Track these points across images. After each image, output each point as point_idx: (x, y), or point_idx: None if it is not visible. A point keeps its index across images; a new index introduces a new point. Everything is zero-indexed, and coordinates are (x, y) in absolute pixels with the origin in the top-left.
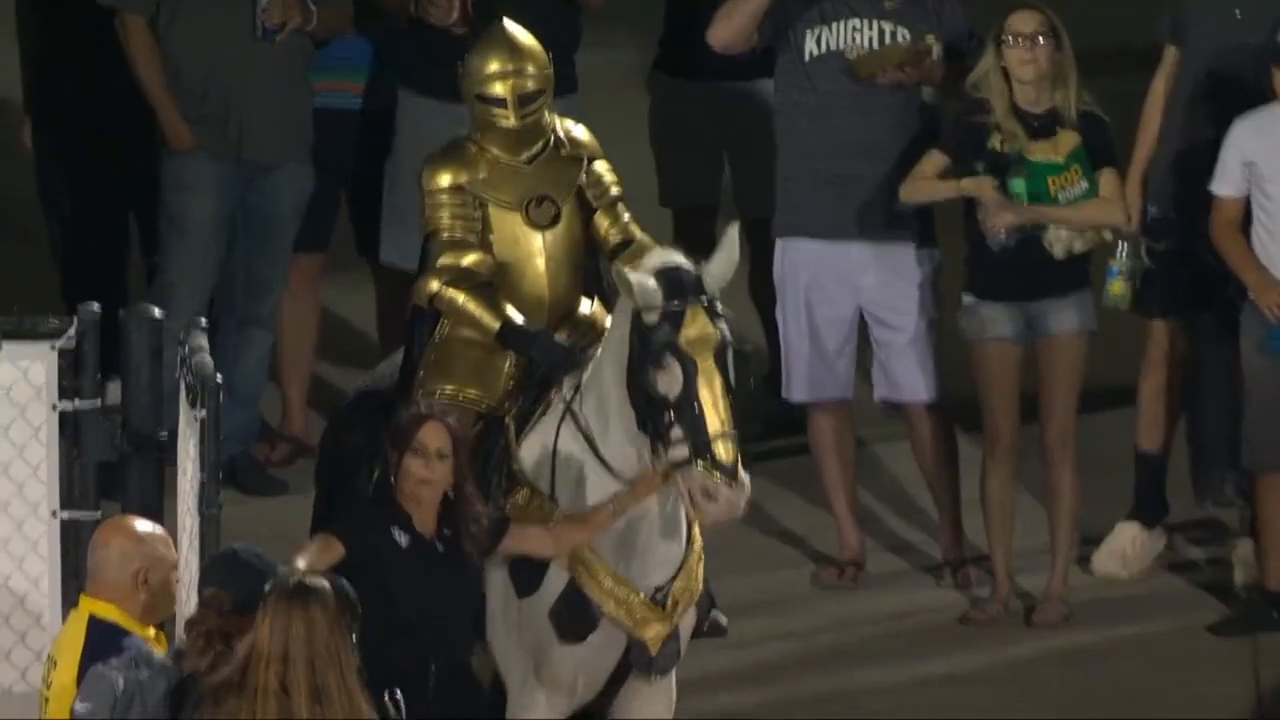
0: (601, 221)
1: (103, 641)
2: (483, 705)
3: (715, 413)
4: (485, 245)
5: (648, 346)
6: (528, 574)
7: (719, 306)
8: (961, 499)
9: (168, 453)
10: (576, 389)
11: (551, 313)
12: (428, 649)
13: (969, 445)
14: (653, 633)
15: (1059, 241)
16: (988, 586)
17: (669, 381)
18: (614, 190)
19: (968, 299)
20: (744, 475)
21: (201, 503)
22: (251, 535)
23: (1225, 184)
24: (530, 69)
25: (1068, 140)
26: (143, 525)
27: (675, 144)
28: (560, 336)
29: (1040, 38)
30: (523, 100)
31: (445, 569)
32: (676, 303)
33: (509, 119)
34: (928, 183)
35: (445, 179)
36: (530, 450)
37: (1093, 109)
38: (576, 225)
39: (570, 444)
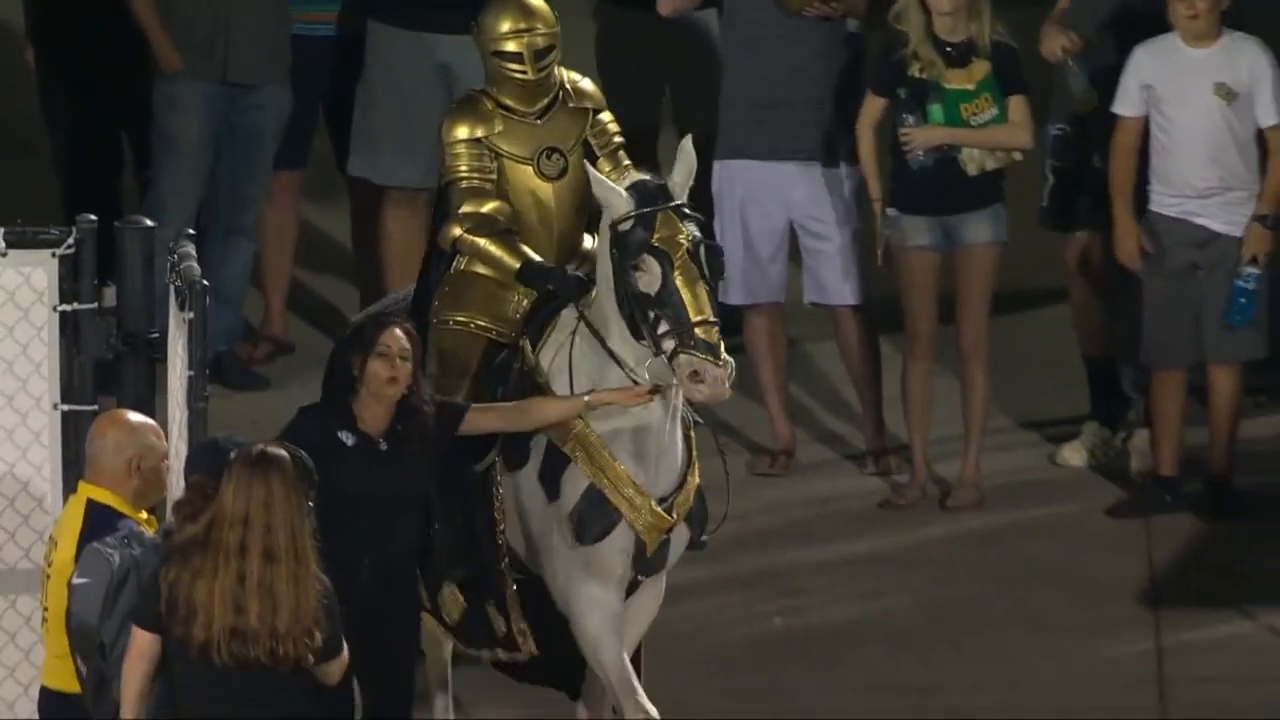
0: (604, 167)
1: (99, 523)
2: (415, 603)
3: (694, 302)
4: (501, 194)
5: (625, 251)
6: (550, 481)
7: (687, 209)
8: (883, 394)
9: (159, 351)
10: (585, 305)
11: (559, 252)
12: (364, 542)
13: (891, 345)
14: (654, 537)
15: (972, 161)
16: (907, 474)
17: (649, 280)
18: (616, 139)
19: (891, 212)
20: (727, 356)
21: (189, 397)
22: (234, 426)
23: (1125, 105)
24: (540, 27)
25: (980, 69)
26: (135, 417)
27: (619, 69)
28: (571, 268)
29: None
30: (536, 55)
31: (388, 465)
32: (646, 208)
33: (526, 73)
34: (866, 149)
35: (463, 131)
36: (546, 358)
37: (1004, 39)
38: (583, 173)
39: (584, 346)
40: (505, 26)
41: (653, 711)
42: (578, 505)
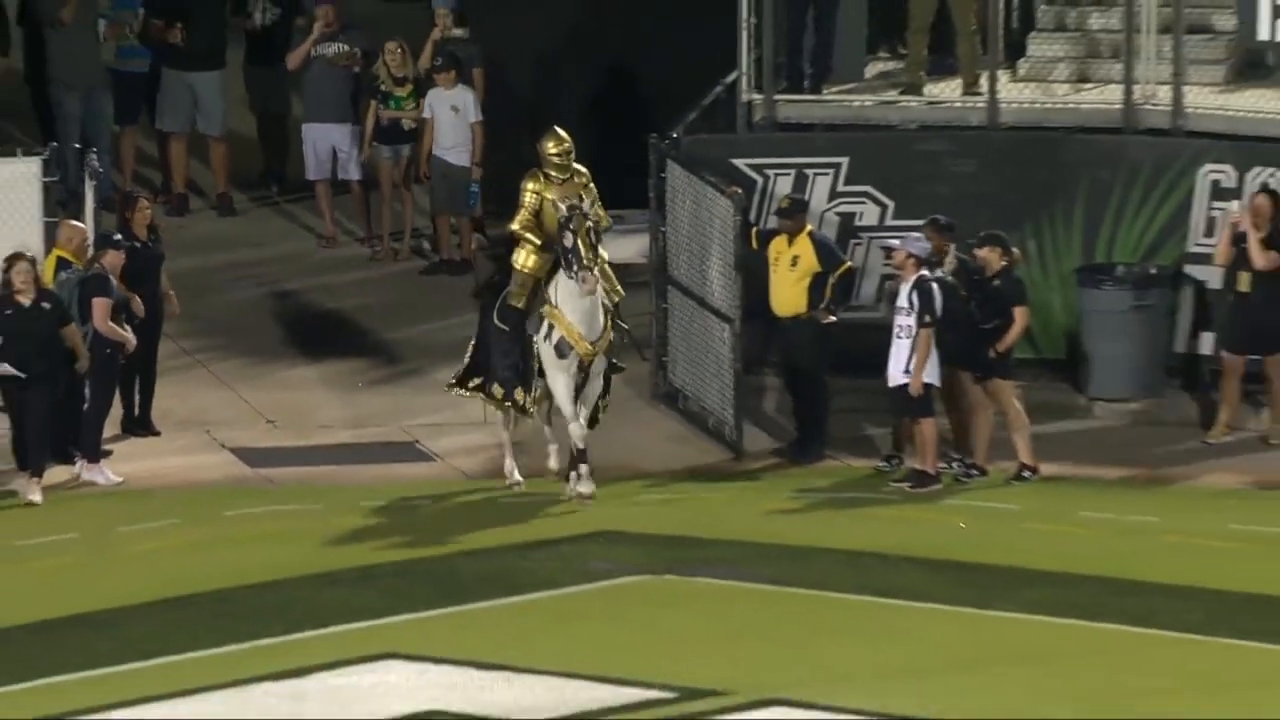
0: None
1: (61, 265)
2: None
3: (585, 247)
4: (544, 215)
5: (562, 229)
6: (547, 333)
7: (586, 209)
8: None
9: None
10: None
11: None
12: None
13: None
14: (587, 355)
15: None
16: None
17: (568, 240)
18: (593, 195)
19: None
20: (592, 271)
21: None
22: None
23: None
24: (565, 146)
25: None
26: (75, 222)
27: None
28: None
29: None
30: (561, 157)
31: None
32: (571, 212)
33: (556, 169)
34: None
35: (531, 185)
36: (552, 287)
37: None
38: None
39: (564, 280)
40: (550, 146)
41: (581, 421)
42: (556, 342)
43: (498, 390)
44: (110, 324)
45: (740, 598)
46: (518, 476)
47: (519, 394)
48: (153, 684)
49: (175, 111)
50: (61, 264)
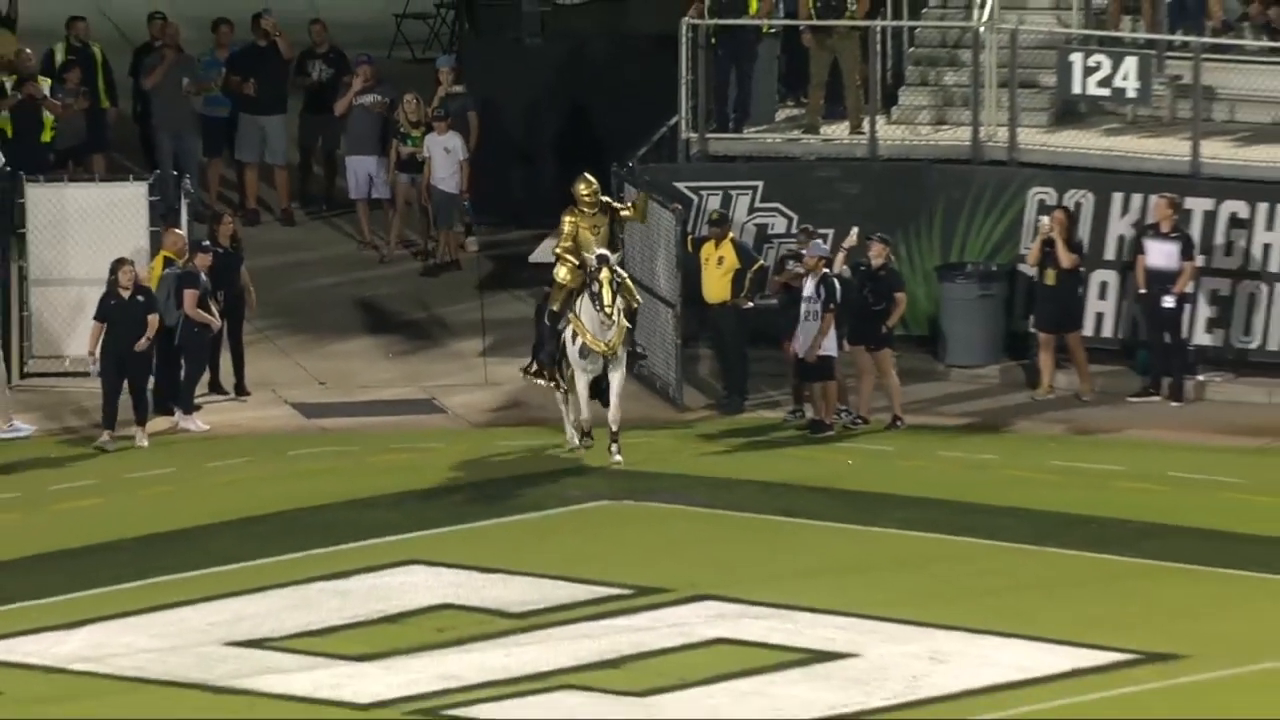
0: (613, 232)
1: (167, 264)
2: None
3: (608, 295)
4: (576, 243)
5: (591, 277)
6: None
7: (611, 259)
8: None
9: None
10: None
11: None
12: None
13: None
14: (603, 352)
15: None
16: None
17: (595, 286)
18: (619, 216)
19: None
20: (611, 316)
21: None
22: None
23: None
24: (594, 188)
25: None
26: (177, 230)
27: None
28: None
29: None
30: (594, 202)
31: None
32: (599, 262)
33: (587, 206)
34: None
35: (568, 218)
36: (579, 300)
37: None
38: (607, 234)
39: (587, 299)
40: (582, 188)
41: (585, 405)
42: (579, 347)
43: (536, 369)
44: (198, 309)
45: (681, 518)
46: (575, 442)
47: (551, 372)
48: (231, 583)
49: (249, 146)
50: (166, 263)
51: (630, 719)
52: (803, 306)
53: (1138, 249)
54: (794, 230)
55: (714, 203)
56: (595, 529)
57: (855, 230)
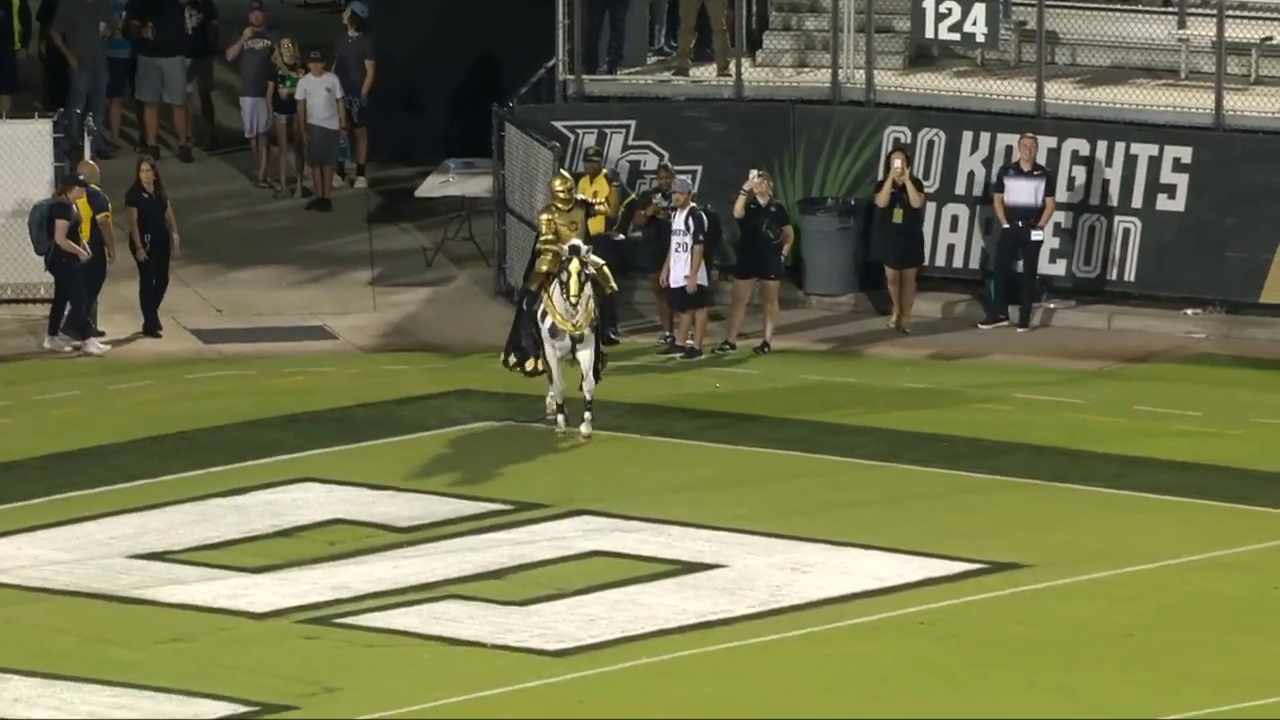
0: (587, 226)
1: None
2: None
3: (574, 284)
4: (556, 233)
5: (562, 266)
6: (543, 316)
7: (582, 249)
8: None
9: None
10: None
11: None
12: None
13: None
14: (571, 332)
15: None
16: None
17: (564, 275)
18: (594, 210)
19: None
20: (575, 306)
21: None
22: None
23: None
24: (569, 186)
25: None
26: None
27: None
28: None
29: None
30: (567, 193)
31: None
32: (571, 252)
33: (563, 203)
34: None
35: (545, 215)
36: (553, 284)
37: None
38: (583, 229)
39: (558, 284)
40: (558, 185)
41: (558, 379)
42: (549, 326)
43: (515, 360)
44: (66, 240)
45: (560, 438)
46: (561, 421)
47: (530, 362)
48: (134, 499)
49: (148, 86)
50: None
51: (510, 625)
52: (673, 239)
53: (998, 187)
54: (659, 168)
55: (589, 141)
56: (478, 448)
57: (754, 173)
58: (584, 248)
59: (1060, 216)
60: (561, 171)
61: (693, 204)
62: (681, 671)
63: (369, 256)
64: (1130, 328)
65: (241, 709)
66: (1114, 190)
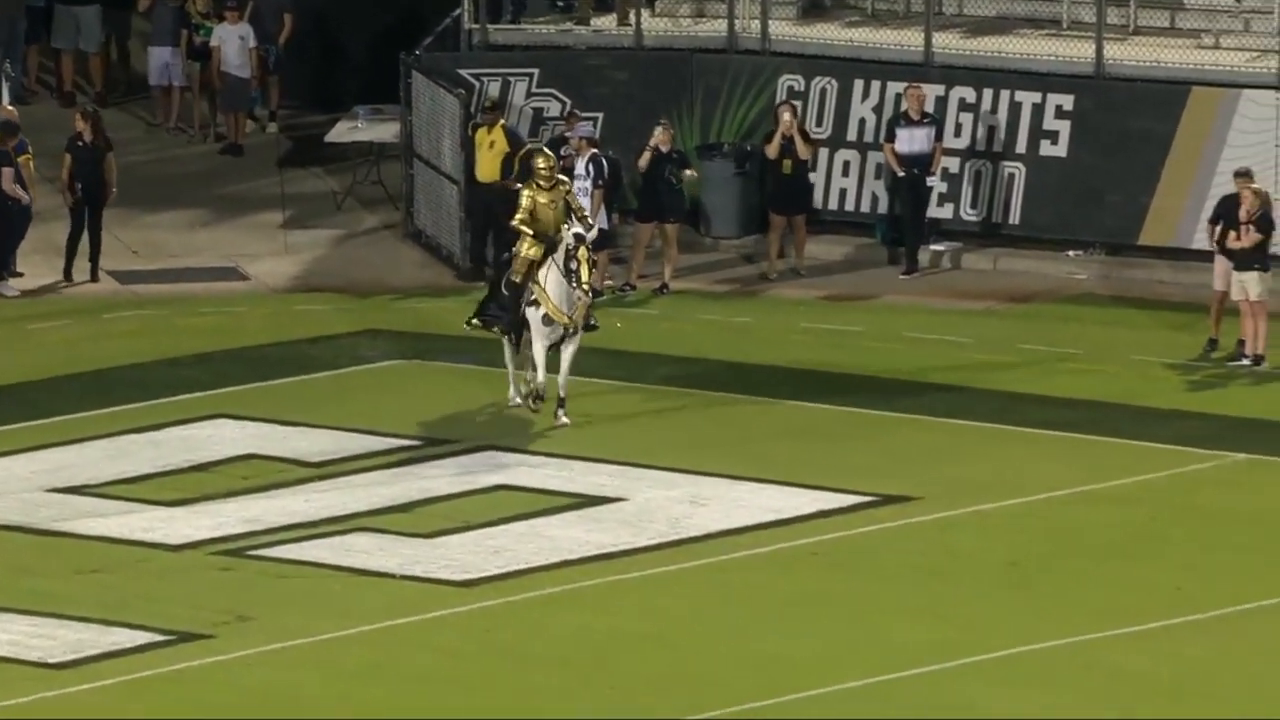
0: (569, 206)
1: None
2: None
3: (585, 272)
4: (537, 214)
5: (569, 256)
6: (531, 304)
7: (587, 239)
8: None
9: None
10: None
11: (552, 234)
12: None
13: None
14: (563, 323)
15: None
16: None
17: (573, 264)
18: (575, 201)
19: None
20: (586, 294)
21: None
22: None
23: None
24: (552, 164)
25: None
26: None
27: None
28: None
29: None
30: (548, 173)
31: None
32: (576, 241)
33: (544, 180)
34: None
35: (527, 192)
36: (543, 271)
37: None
38: (563, 208)
39: (552, 269)
40: (540, 163)
41: (541, 367)
42: (542, 316)
43: (482, 323)
44: (13, 186)
45: (466, 376)
46: (519, 400)
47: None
48: (52, 435)
49: (64, 34)
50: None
51: (418, 556)
52: (575, 184)
53: (889, 136)
54: (564, 114)
55: (494, 89)
56: (387, 386)
57: (659, 129)
58: (588, 236)
59: (948, 162)
60: (544, 149)
61: (594, 150)
62: (584, 601)
63: (280, 200)
64: (1015, 269)
65: (158, 638)
66: (999, 137)
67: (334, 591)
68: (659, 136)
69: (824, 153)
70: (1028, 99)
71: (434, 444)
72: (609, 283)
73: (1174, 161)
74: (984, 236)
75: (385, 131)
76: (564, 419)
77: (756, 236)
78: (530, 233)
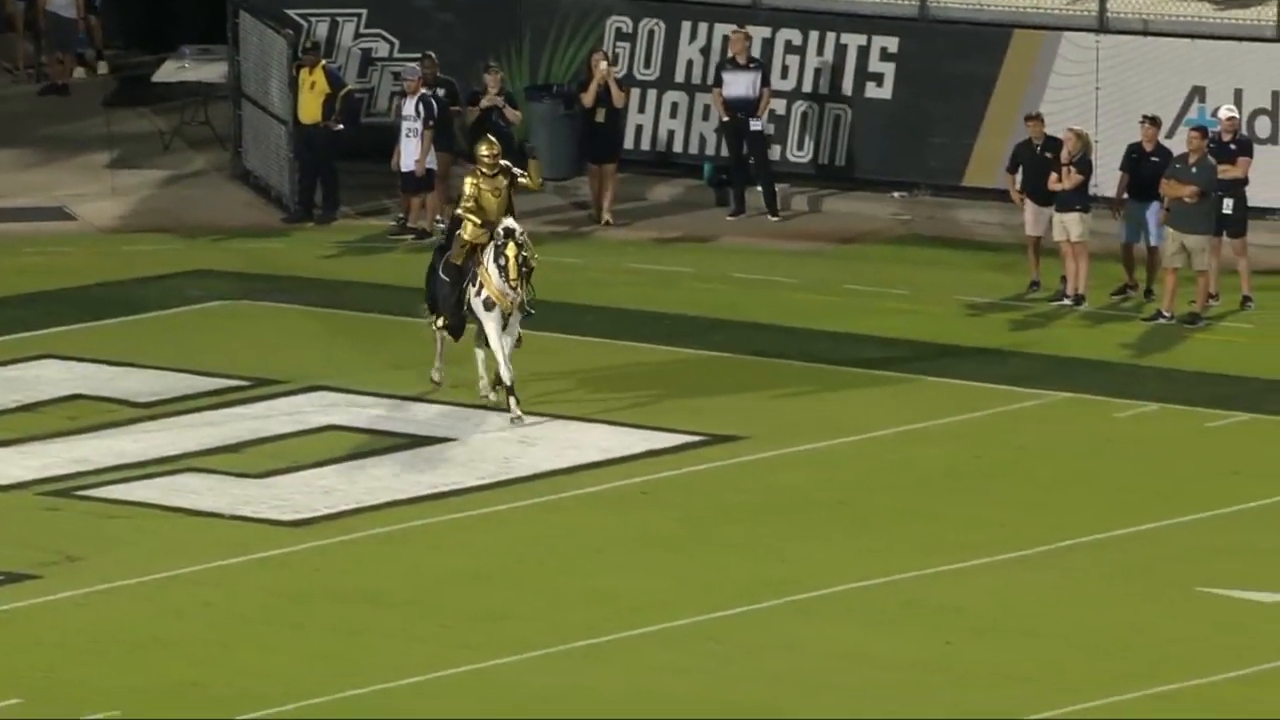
0: (511, 194)
1: None
2: None
3: (514, 269)
4: (480, 202)
5: (499, 250)
6: (476, 288)
7: (517, 232)
8: None
9: None
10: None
11: (496, 223)
12: None
13: None
14: (506, 307)
15: None
16: None
17: (501, 260)
18: (517, 182)
19: None
20: (516, 288)
21: None
22: None
23: None
24: (495, 151)
25: None
26: None
27: None
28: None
29: None
30: (492, 160)
31: None
32: (506, 235)
33: (488, 168)
34: None
35: (470, 180)
36: (486, 255)
37: None
38: (506, 196)
39: (492, 255)
40: (483, 149)
41: (500, 351)
42: (484, 299)
43: (441, 321)
44: None
45: (297, 316)
46: (438, 378)
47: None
48: None
49: None
50: None
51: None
52: (403, 124)
53: (716, 81)
54: (394, 54)
55: (322, 29)
56: (216, 326)
57: (487, 74)
58: (518, 229)
59: (775, 104)
60: (487, 136)
61: (423, 90)
62: (415, 540)
63: (107, 140)
64: (841, 210)
65: None
66: (824, 79)
67: (163, 531)
68: (488, 81)
69: (652, 94)
70: (853, 41)
71: (263, 384)
72: (439, 223)
73: (997, 103)
74: (810, 178)
75: (213, 72)
76: (518, 411)
77: (585, 178)
78: (475, 220)
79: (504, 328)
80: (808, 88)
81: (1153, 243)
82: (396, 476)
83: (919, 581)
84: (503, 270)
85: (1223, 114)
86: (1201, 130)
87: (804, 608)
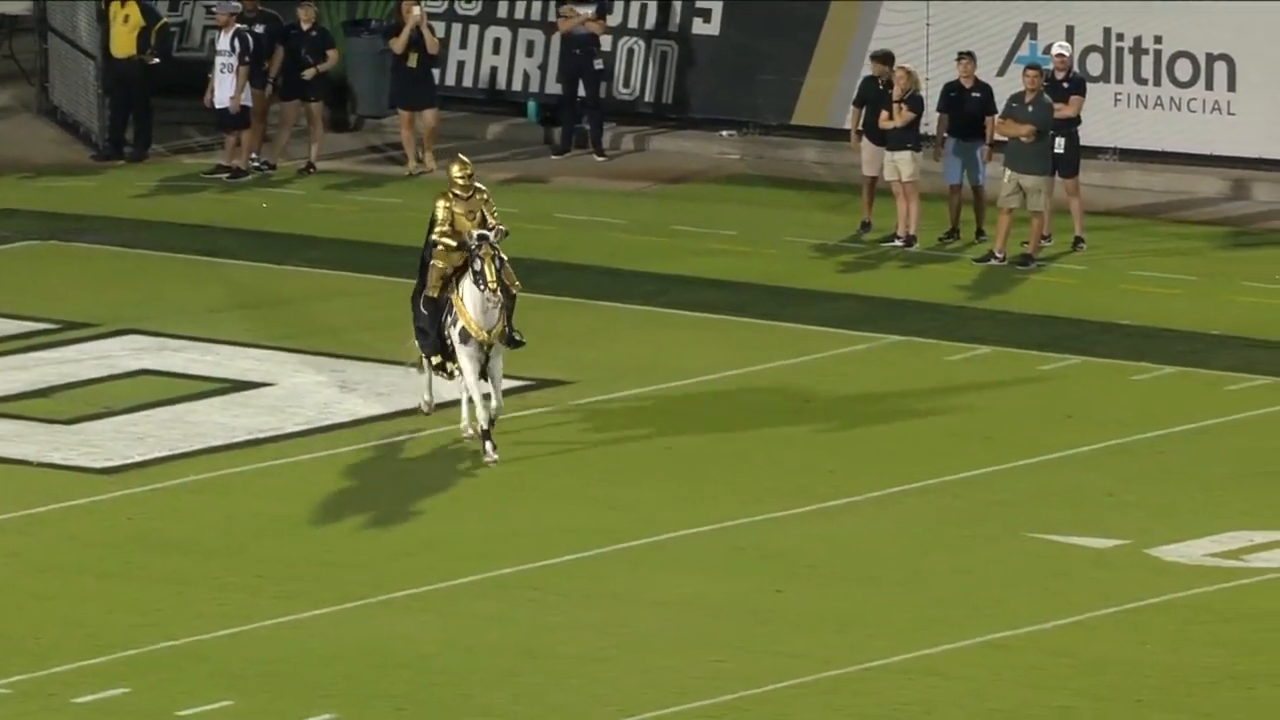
0: (488, 219)
1: None
2: None
3: (490, 272)
4: (455, 226)
5: (473, 255)
6: (454, 321)
7: (494, 242)
8: None
9: None
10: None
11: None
12: None
13: None
14: (485, 341)
15: None
16: None
17: (477, 265)
18: (491, 206)
19: None
20: (495, 291)
21: None
22: None
23: None
24: (468, 171)
25: None
26: None
27: None
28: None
29: None
30: (465, 181)
31: None
32: (480, 240)
33: (461, 189)
34: None
35: (442, 203)
36: (461, 284)
37: None
38: (481, 218)
39: (468, 279)
40: (456, 171)
41: (477, 395)
42: (459, 330)
43: (435, 360)
44: None
45: (105, 257)
46: (426, 411)
47: (440, 359)
48: None
49: None
50: None
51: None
52: (217, 60)
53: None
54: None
55: None
56: (22, 267)
57: (300, 7)
58: (492, 235)
59: (602, 41)
60: (460, 157)
61: (238, 25)
62: (232, 488)
63: None
64: (668, 149)
65: None
66: (651, 15)
67: None
68: (300, 15)
69: (474, 30)
70: None
71: (73, 327)
72: (253, 161)
73: (826, 41)
74: (638, 116)
75: (17, 5)
76: (491, 454)
77: (389, 116)
78: (451, 243)
79: (486, 361)
80: (634, 23)
81: (980, 181)
82: (212, 422)
83: (749, 528)
84: (479, 276)
85: (1055, 51)
86: (1038, 68)
87: (632, 556)
